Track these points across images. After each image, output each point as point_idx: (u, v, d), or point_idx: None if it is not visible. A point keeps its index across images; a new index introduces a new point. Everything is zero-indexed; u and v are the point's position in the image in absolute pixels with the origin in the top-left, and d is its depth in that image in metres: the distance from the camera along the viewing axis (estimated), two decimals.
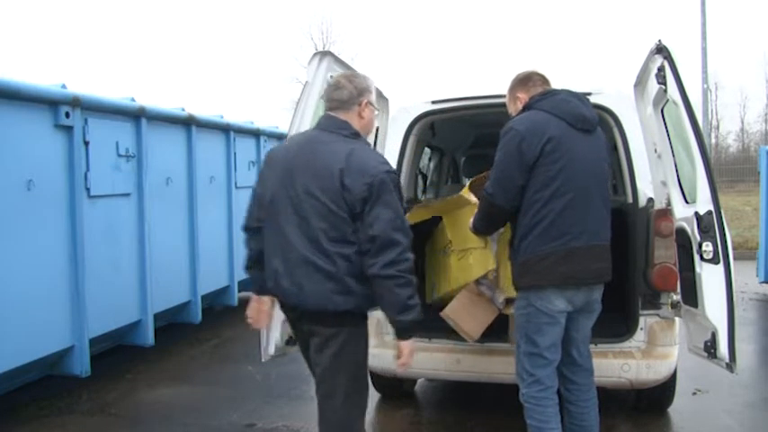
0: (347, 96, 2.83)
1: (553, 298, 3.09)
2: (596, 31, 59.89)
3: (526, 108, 3.23)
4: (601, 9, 59.18)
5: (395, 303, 2.66)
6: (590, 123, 3.17)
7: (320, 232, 2.67)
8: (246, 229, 3.00)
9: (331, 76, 3.54)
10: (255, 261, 2.96)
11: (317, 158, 2.73)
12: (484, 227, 3.46)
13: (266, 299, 2.99)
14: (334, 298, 2.67)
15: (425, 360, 4.14)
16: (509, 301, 3.70)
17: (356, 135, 2.83)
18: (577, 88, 4.09)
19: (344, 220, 2.65)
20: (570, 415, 3.37)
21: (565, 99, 3.18)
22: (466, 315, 3.87)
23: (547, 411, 3.16)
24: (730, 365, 2.98)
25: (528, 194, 3.08)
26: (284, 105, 34.67)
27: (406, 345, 2.76)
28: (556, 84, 3.35)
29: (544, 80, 3.34)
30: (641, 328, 3.93)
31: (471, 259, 3.87)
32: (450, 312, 3.88)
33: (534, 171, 3.04)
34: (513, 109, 3.38)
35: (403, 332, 2.74)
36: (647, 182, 3.92)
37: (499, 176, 3.13)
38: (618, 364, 3.87)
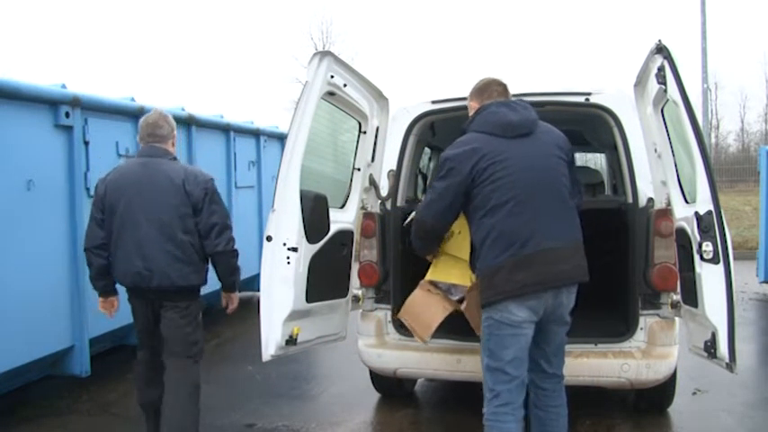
0: (166, 132, 3.80)
1: (513, 308, 3.01)
2: (595, 31, 59.92)
3: (463, 132, 3.27)
4: (600, 9, 59.25)
5: (231, 268, 3.80)
6: (521, 128, 3.14)
7: (174, 227, 3.60)
8: (93, 248, 3.72)
9: (332, 76, 3.57)
10: (105, 273, 3.77)
11: (160, 174, 3.66)
12: (419, 246, 3.56)
13: (114, 297, 3.95)
14: (191, 277, 3.66)
15: (425, 360, 4.15)
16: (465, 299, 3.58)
17: (175, 158, 3.85)
18: (577, 89, 4.10)
19: (189, 215, 3.62)
20: (538, 421, 3.31)
21: (492, 112, 3.18)
22: (418, 316, 3.76)
23: (505, 427, 3.03)
24: (730, 365, 2.96)
25: (473, 214, 3.13)
26: (284, 105, 34.70)
27: (235, 295, 3.92)
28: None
29: (503, 89, 3.32)
30: (641, 328, 3.94)
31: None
32: (404, 313, 3.82)
33: (473, 192, 3.08)
34: (470, 116, 3.36)
35: (231, 287, 3.88)
36: (648, 182, 3.92)
37: (433, 198, 3.23)
38: (618, 364, 3.87)
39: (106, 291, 3.85)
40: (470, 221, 3.19)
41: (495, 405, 3.04)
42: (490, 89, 3.31)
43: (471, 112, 3.31)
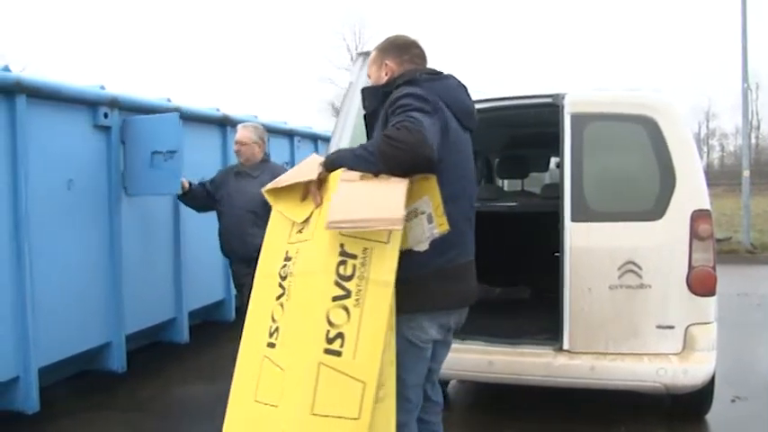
0: None
1: (426, 326, 2.55)
2: (634, 28, 58.98)
3: (409, 83, 2.52)
4: (637, 6, 58.32)
5: None
6: (474, 122, 2.72)
7: None
8: None
9: None
10: None
11: None
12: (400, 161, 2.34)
13: None
14: None
15: (457, 362, 4.13)
16: None
17: None
18: (622, 89, 4.00)
19: None
20: None
21: (455, 87, 2.64)
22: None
23: None
24: None
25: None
26: (317, 106, 34.86)
27: None
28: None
29: (423, 58, 2.78)
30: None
31: None
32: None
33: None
34: (374, 76, 2.79)
35: None
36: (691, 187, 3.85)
37: (427, 121, 2.34)
38: (653, 368, 3.80)
39: None
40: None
41: None
42: (412, 51, 2.75)
43: (382, 72, 2.73)
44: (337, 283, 2.29)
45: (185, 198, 5.15)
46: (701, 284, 3.79)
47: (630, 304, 3.86)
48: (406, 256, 2.39)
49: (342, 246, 2.31)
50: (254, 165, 5.00)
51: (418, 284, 2.47)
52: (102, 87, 5.09)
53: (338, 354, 2.24)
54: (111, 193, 5.08)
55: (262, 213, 4.61)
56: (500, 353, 4.00)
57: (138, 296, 5.36)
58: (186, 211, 5.64)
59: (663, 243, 3.84)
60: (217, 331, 6.85)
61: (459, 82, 2.68)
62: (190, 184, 5.05)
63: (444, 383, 4.97)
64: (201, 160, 5.79)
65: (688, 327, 3.84)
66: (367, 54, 3.58)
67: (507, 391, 4.50)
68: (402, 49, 2.74)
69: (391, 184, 2.31)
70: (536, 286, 5.65)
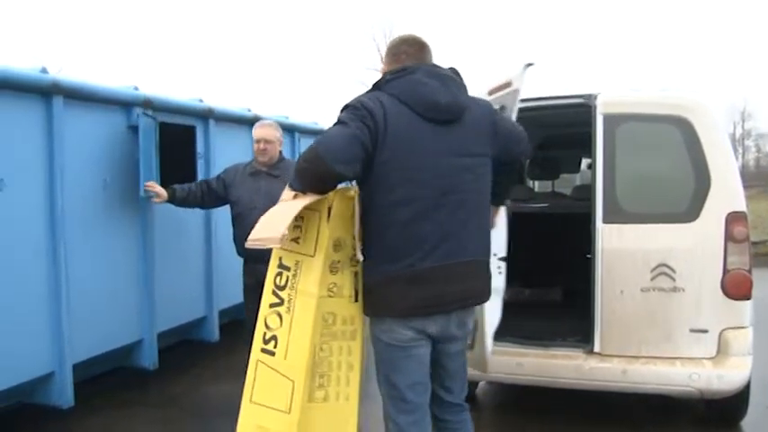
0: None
1: (396, 327, 2.53)
2: (669, 27, 58.13)
3: (375, 87, 2.58)
4: (672, 5, 57.49)
5: None
6: (448, 112, 2.51)
7: None
8: None
9: None
10: None
11: None
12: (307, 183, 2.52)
13: None
14: None
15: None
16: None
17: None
18: (655, 89, 3.93)
19: None
20: None
21: (420, 82, 2.51)
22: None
23: None
24: None
25: (371, 197, 2.52)
26: None
27: None
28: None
29: (416, 50, 2.66)
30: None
31: None
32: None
33: (374, 163, 2.44)
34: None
35: None
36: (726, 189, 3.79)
37: (335, 133, 2.43)
38: (686, 373, 3.75)
39: None
40: (365, 201, 2.57)
41: None
42: (400, 51, 2.67)
43: (381, 75, 2.68)
44: (274, 293, 2.62)
45: (176, 203, 4.77)
46: (735, 288, 3.72)
47: (663, 307, 3.81)
48: (364, 265, 2.58)
49: (280, 258, 2.64)
50: (273, 164, 4.66)
51: (372, 291, 2.58)
52: (136, 88, 5.17)
53: (272, 353, 2.60)
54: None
55: None
56: (530, 354, 3.98)
57: (170, 295, 5.44)
58: (217, 212, 5.69)
59: (697, 245, 3.79)
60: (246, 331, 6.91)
61: (428, 73, 2.55)
62: (174, 191, 4.69)
63: (473, 384, 4.97)
64: (233, 161, 5.82)
65: (722, 331, 3.77)
66: (531, 64, 3.55)
67: (534, 390, 4.46)
68: (391, 51, 2.73)
69: (293, 202, 2.52)
70: (567, 288, 5.61)
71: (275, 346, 2.60)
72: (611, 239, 3.88)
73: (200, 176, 5.64)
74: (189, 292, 5.80)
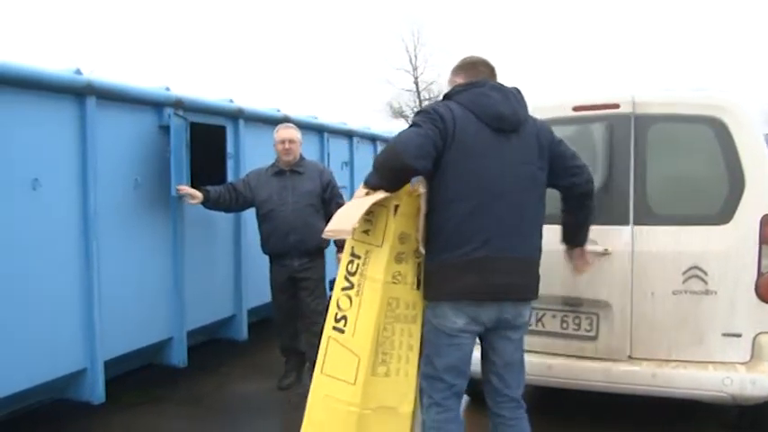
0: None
1: (450, 315, 2.84)
2: (702, 26, 57.19)
3: (446, 97, 2.99)
4: (705, 4, 56.56)
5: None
6: (508, 123, 2.87)
7: None
8: None
9: None
10: None
11: None
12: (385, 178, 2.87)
13: None
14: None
15: None
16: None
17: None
18: (688, 89, 3.88)
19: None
20: None
21: (485, 94, 2.89)
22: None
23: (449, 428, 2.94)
24: None
25: (436, 192, 2.86)
26: (376, 107, 34.98)
27: None
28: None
29: (490, 72, 3.07)
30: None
31: None
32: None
33: (442, 162, 2.80)
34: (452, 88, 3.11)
35: None
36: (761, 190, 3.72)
37: (411, 134, 2.78)
38: (719, 378, 3.67)
39: None
40: (430, 196, 2.91)
41: (436, 412, 2.94)
42: (477, 68, 3.06)
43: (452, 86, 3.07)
44: (346, 278, 2.97)
45: (208, 205, 5.07)
46: None
47: (695, 310, 3.74)
48: (426, 255, 2.91)
49: (352, 248, 2.99)
50: (296, 163, 5.18)
51: (429, 277, 2.91)
52: (168, 89, 5.22)
53: (342, 331, 2.93)
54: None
55: (319, 206, 5.04)
56: (561, 356, 3.94)
57: (199, 293, 5.48)
58: (246, 211, 5.74)
59: (730, 248, 3.71)
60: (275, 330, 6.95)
61: (492, 87, 2.93)
62: (207, 192, 4.99)
63: None
64: (262, 161, 5.87)
65: (757, 335, 3.70)
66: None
67: (561, 390, 4.42)
68: (466, 66, 3.09)
69: (365, 199, 2.86)
70: None
71: (345, 325, 2.93)
72: (642, 241, 3.82)
73: (230, 177, 5.69)
74: (218, 290, 5.84)
